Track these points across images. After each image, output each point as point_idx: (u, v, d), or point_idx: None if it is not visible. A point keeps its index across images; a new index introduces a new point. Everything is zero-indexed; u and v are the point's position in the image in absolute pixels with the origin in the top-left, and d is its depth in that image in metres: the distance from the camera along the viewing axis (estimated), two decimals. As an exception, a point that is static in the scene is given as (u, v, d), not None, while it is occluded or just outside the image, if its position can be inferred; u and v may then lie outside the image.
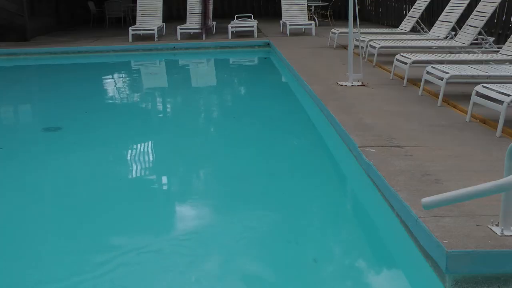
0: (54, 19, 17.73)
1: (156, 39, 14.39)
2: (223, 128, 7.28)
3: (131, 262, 3.55)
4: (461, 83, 6.97)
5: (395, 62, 7.78)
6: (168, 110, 8.94)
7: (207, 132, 7.28)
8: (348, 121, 5.72)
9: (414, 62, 7.37)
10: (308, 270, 3.41)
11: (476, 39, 8.86)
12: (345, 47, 11.25)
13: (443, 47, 9.13)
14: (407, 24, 11.81)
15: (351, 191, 5.03)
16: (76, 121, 7.40)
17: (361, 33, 10.06)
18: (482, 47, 8.84)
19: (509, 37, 7.55)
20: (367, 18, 18.38)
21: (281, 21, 15.89)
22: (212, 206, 4.59)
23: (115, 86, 11.05)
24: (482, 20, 8.56)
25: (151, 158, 6.13)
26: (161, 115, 8.46)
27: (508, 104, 4.89)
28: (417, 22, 11.62)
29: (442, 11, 10.49)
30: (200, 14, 15.03)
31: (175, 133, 7.03)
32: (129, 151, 6.34)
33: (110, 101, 9.35)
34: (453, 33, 9.78)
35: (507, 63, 7.04)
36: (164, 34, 15.37)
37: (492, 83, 5.58)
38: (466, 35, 8.84)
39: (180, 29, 14.53)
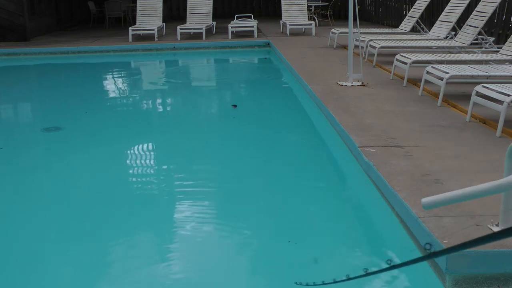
0: (54, 19, 17.73)
1: (156, 39, 14.40)
2: (223, 128, 7.27)
3: (131, 262, 3.55)
4: (461, 83, 6.97)
5: (395, 62, 7.78)
6: (168, 110, 8.94)
7: (207, 132, 7.27)
8: (348, 121, 5.72)
9: (414, 62, 7.37)
10: (308, 270, 3.41)
11: (476, 39, 8.86)
12: (345, 47, 11.25)
13: (443, 47, 9.13)
14: (407, 24, 11.82)
15: (351, 191, 5.02)
16: (76, 121, 7.40)
17: (361, 33, 10.06)
18: (482, 47, 8.84)
19: (509, 37, 7.55)
20: (367, 18, 18.37)
21: (281, 21, 15.88)
22: (212, 206, 4.58)
23: (115, 86, 11.05)
24: (482, 20, 8.56)
25: (151, 158, 6.12)
26: (160, 115, 8.45)
27: (508, 104, 4.89)
28: (417, 22, 11.62)
29: (442, 11, 10.50)
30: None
31: (174, 133, 7.02)
32: (129, 151, 6.33)
33: (110, 101, 9.35)
34: (453, 33, 9.78)
35: (507, 63, 7.04)
36: (164, 34, 15.37)
37: (492, 83, 5.58)
38: (466, 35, 8.84)
39: (180, 29, 14.53)
